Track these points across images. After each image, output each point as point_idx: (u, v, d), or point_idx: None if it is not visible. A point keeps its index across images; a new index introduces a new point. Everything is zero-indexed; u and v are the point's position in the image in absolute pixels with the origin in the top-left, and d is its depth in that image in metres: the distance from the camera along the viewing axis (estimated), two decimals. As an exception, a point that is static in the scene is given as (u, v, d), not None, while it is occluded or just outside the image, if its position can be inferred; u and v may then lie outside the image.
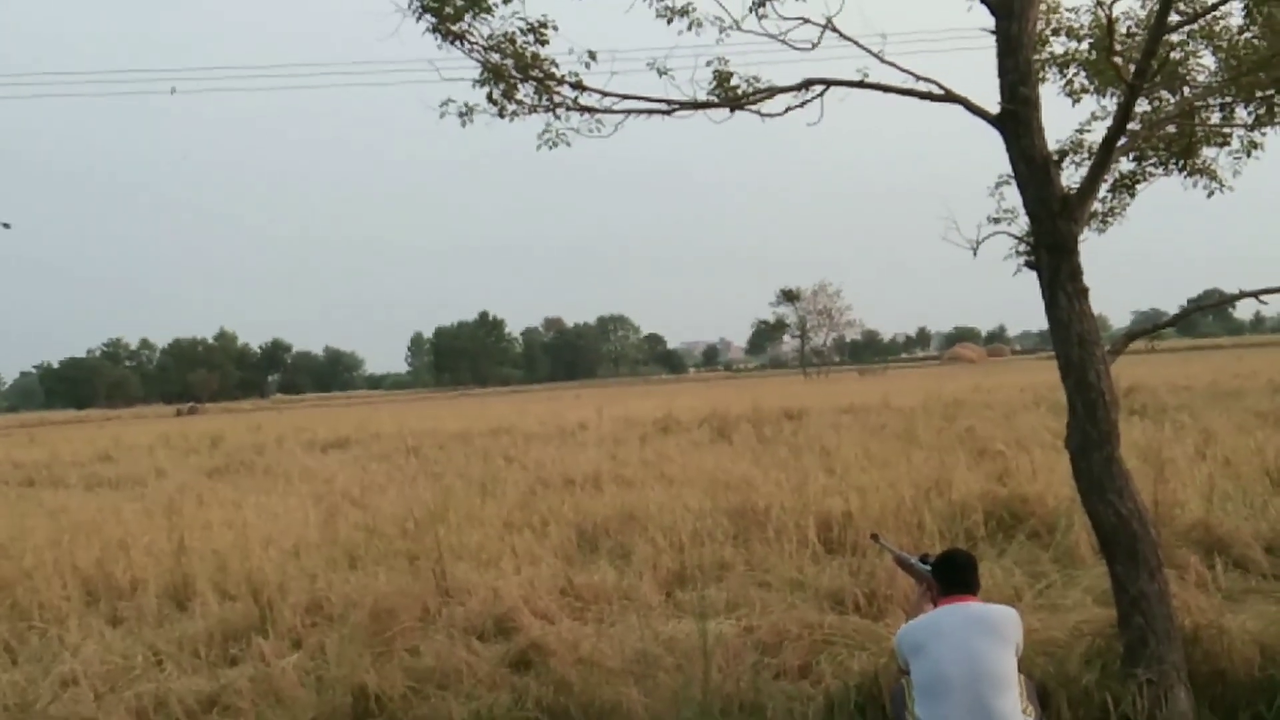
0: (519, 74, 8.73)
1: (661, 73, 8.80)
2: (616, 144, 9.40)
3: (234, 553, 13.97)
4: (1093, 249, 10.50)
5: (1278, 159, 10.74)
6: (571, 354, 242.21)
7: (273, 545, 14.54)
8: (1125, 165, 10.18)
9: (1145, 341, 9.56)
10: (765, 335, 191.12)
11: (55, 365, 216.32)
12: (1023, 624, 6.59)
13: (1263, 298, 8.56)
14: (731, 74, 8.82)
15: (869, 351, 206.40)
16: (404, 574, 12.51)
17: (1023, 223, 8.84)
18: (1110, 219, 10.51)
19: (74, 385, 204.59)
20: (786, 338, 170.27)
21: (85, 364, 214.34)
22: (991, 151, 8.44)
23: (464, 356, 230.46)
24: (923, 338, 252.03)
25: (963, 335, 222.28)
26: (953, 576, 6.82)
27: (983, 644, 6.33)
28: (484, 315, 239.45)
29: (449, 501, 17.15)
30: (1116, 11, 9.10)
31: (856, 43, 8.40)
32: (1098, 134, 9.59)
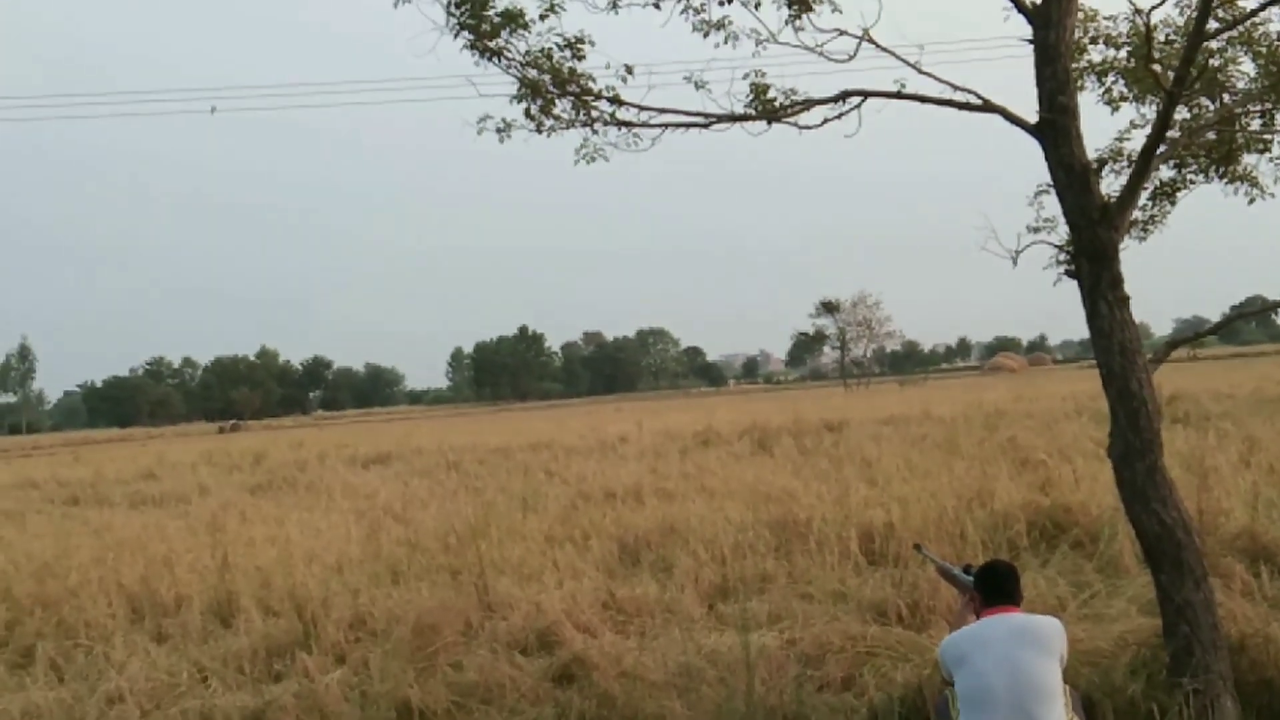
0: (556, 89, 8.78)
1: (698, 86, 8.84)
2: (655, 155, 9.42)
3: (277, 569, 14.04)
4: (1134, 256, 10.48)
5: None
6: (611, 367, 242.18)
7: (315, 561, 14.61)
8: (1165, 173, 10.15)
9: (1187, 350, 9.51)
10: (805, 347, 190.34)
11: (98, 384, 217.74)
12: (1067, 634, 6.55)
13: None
14: (768, 86, 8.85)
15: (909, 362, 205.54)
16: (446, 589, 12.54)
17: (1062, 231, 8.80)
18: (1151, 227, 10.48)
19: (117, 404, 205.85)
20: (826, 349, 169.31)
21: (128, 383, 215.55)
22: (1031, 160, 8.43)
23: (504, 371, 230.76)
24: (963, 348, 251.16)
25: (1003, 345, 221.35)
26: (996, 587, 6.80)
27: (1027, 655, 6.30)
28: (524, 330, 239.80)
29: (490, 516, 17.19)
30: (1155, 19, 9.10)
31: (893, 53, 8.42)
32: (1137, 142, 9.60)
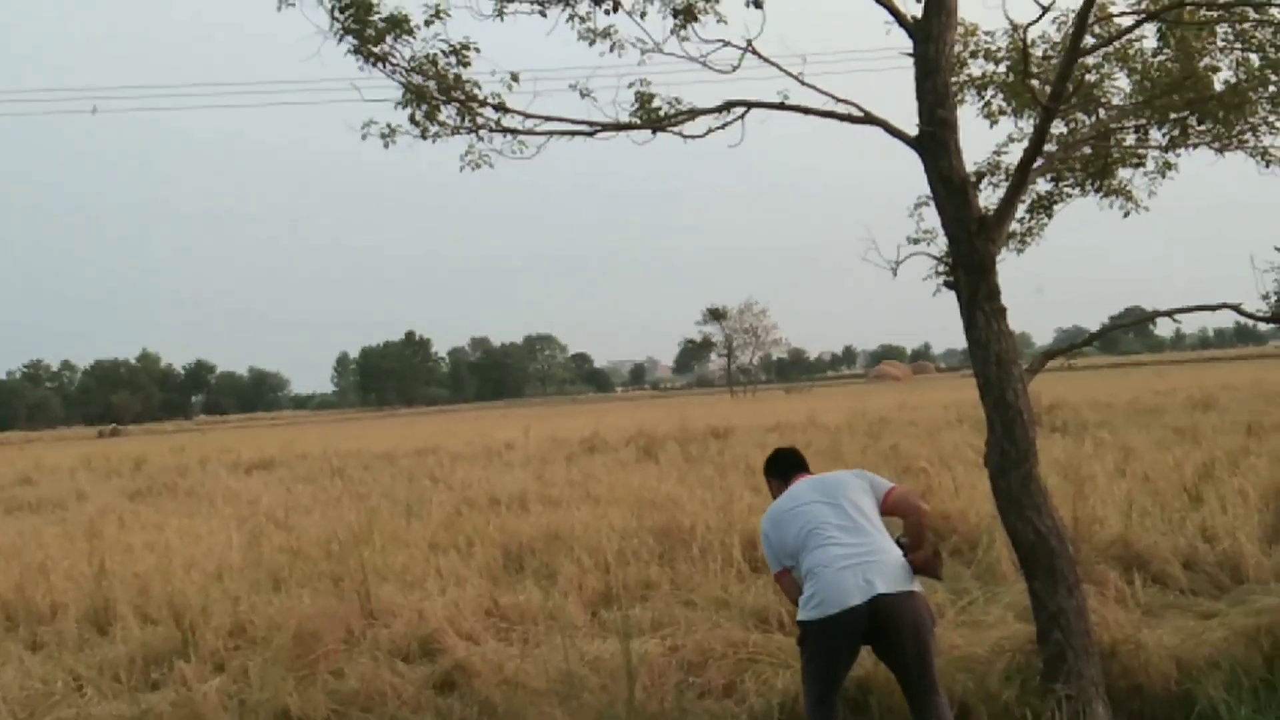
0: (441, 96, 8.74)
1: (584, 94, 8.84)
2: (541, 163, 9.42)
3: (156, 576, 13.81)
4: (1015, 266, 10.62)
5: (1192, 177, 10.91)
6: (499, 373, 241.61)
7: (195, 568, 14.40)
8: (1042, 186, 10.31)
9: (1063, 360, 9.68)
10: (692, 354, 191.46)
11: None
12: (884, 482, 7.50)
13: (1177, 316, 8.70)
14: (653, 95, 8.87)
15: (795, 370, 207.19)
16: (328, 596, 12.40)
17: (942, 243, 8.94)
18: (1028, 239, 10.64)
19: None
20: (713, 356, 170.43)
21: (4, 386, 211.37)
22: (912, 172, 8.53)
23: (390, 376, 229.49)
24: (849, 356, 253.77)
25: (888, 353, 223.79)
26: (787, 465, 7.96)
27: (834, 486, 7.38)
28: (410, 335, 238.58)
29: (374, 522, 17.03)
30: (1032, 34, 9.26)
31: (777, 65, 8.49)
32: (1014, 155, 9.72)
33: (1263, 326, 9.33)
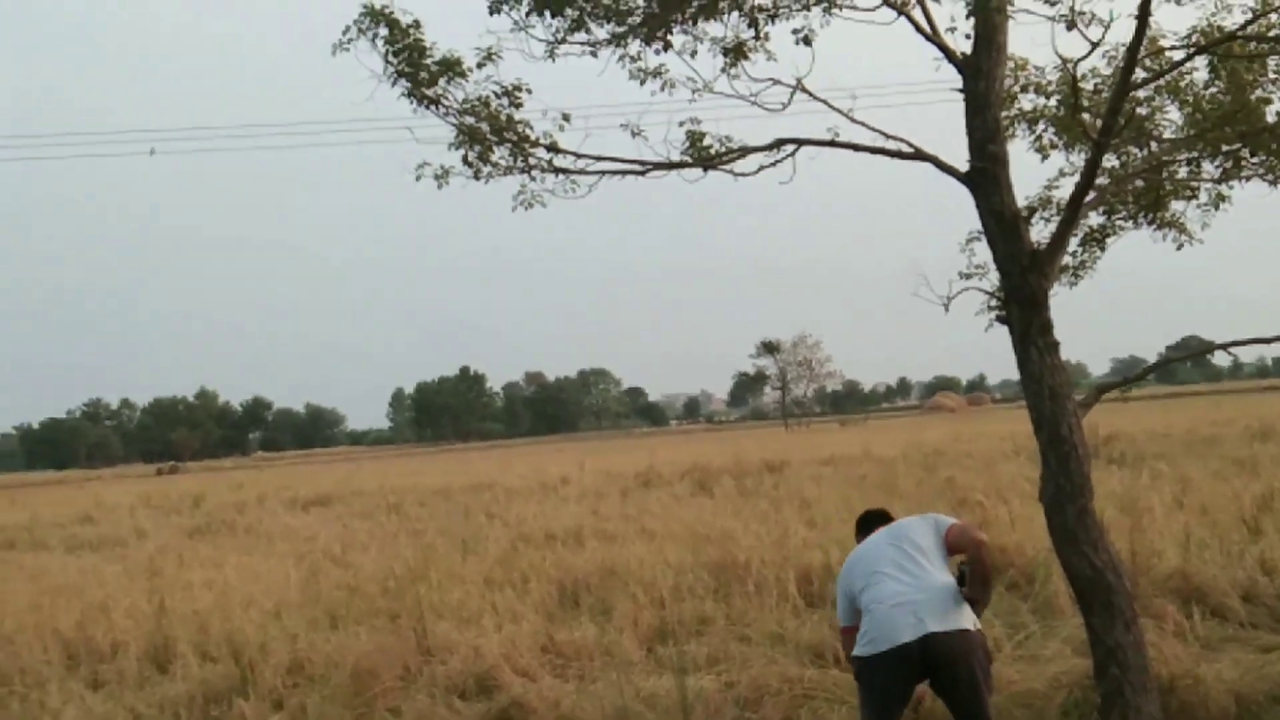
0: (494, 137, 8.81)
1: (635, 133, 8.89)
2: (590, 200, 9.46)
3: (215, 614, 13.93)
4: (1072, 297, 10.59)
5: (1250, 206, 10.85)
6: (553, 408, 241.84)
7: (254, 606, 14.49)
8: (1094, 219, 10.27)
9: (1118, 393, 9.65)
10: (746, 387, 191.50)
11: (35, 426, 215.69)
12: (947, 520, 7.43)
13: (1231, 350, 8.68)
14: (704, 134, 8.91)
15: (850, 402, 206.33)
16: (385, 633, 12.46)
17: (993, 278, 8.93)
18: (1081, 273, 10.59)
19: (54, 446, 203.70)
20: (767, 389, 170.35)
21: (65, 424, 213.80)
22: (964, 206, 8.54)
23: (445, 411, 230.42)
24: (903, 387, 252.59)
25: (943, 384, 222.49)
26: (870, 522, 7.84)
27: (900, 529, 7.39)
28: (465, 370, 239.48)
29: (430, 559, 17.09)
30: (1083, 68, 9.26)
31: (826, 102, 8.53)
32: (1066, 189, 9.69)
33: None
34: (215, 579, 17.39)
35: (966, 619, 6.86)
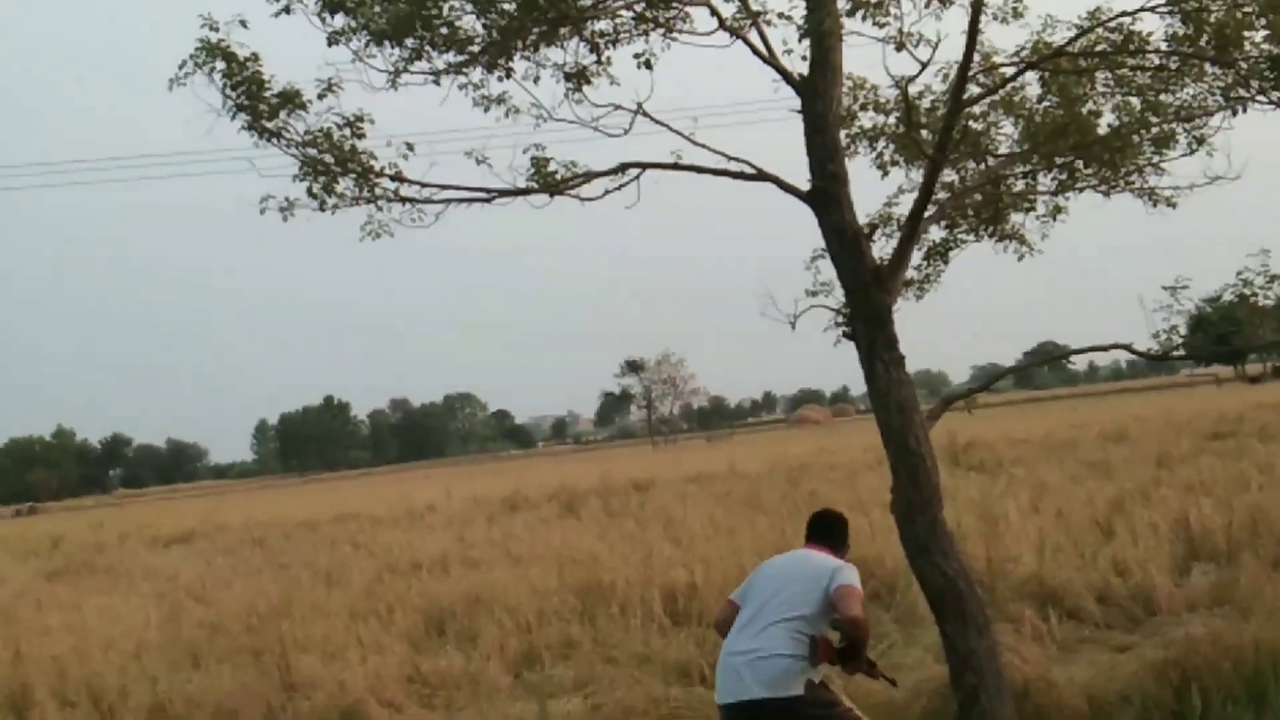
0: (338, 168, 8.74)
1: (479, 161, 8.89)
2: (446, 226, 9.42)
3: (73, 658, 13.65)
4: (925, 306, 10.74)
5: (1090, 217, 11.09)
6: (420, 434, 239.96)
7: (113, 648, 14.24)
8: (937, 234, 10.40)
9: (964, 404, 9.79)
10: (612, 406, 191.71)
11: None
12: (854, 575, 7.10)
13: (1073, 358, 8.88)
14: (549, 160, 8.92)
15: (716, 417, 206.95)
16: (248, 670, 12.32)
17: (839, 295, 9.04)
18: (927, 286, 10.73)
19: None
20: (634, 408, 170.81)
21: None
22: (809, 224, 8.63)
23: (310, 442, 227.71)
24: (769, 401, 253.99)
25: (807, 397, 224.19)
26: (811, 531, 7.67)
27: (793, 572, 7.13)
28: (329, 399, 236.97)
29: (294, 593, 16.94)
30: (919, 86, 9.44)
31: (668, 126, 8.61)
32: (906, 206, 9.82)
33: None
34: (74, 622, 17.06)
35: (798, 684, 6.90)
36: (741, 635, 7.02)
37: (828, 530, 7.67)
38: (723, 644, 7.17)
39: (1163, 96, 9.41)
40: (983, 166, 10.22)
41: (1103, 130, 9.61)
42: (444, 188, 8.79)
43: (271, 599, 16.41)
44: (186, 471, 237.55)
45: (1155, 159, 9.84)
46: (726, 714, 6.88)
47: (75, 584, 25.44)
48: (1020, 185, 10.26)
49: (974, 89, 8.93)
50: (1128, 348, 8.85)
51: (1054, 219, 10.49)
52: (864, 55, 8.60)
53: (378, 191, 8.89)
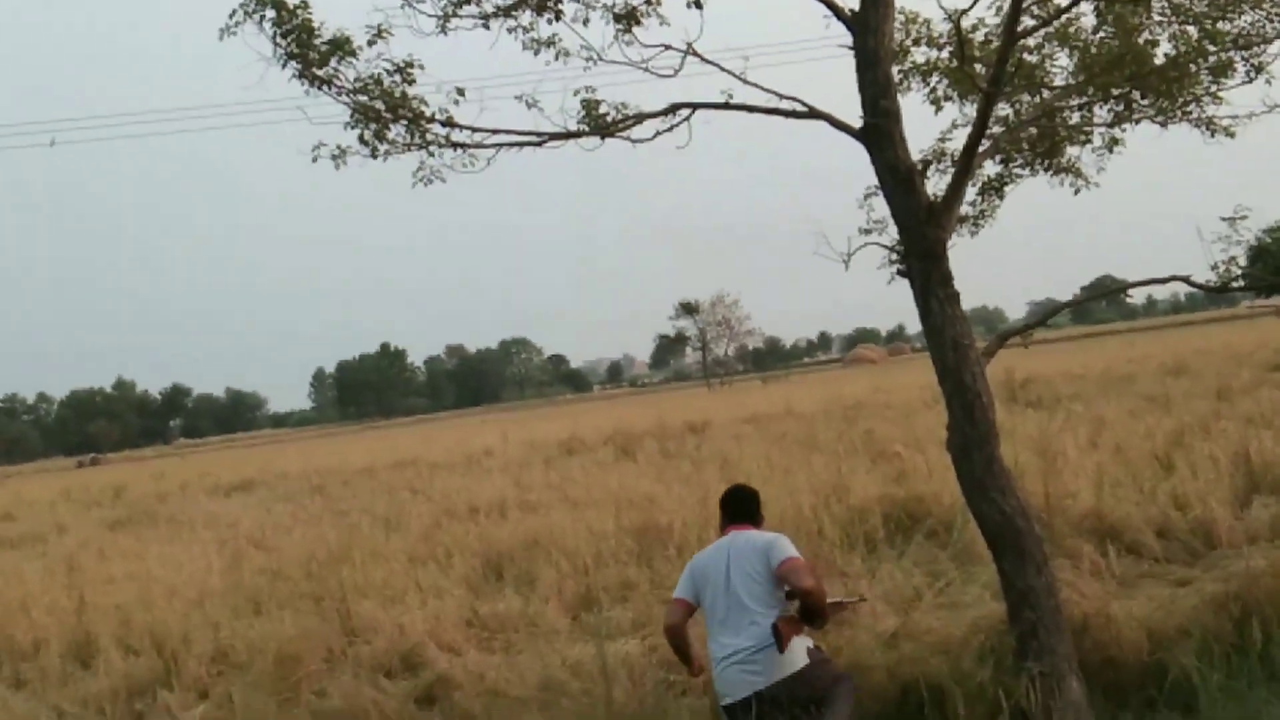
0: (389, 114, 8.74)
1: (530, 105, 8.86)
2: (494, 171, 9.42)
3: (137, 606, 13.81)
4: (982, 242, 10.69)
5: (1147, 147, 10.97)
6: (476, 380, 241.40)
7: (176, 596, 14.39)
8: (991, 169, 10.36)
9: (1020, 339, 9.73)
10: (667, 349, 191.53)
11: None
12: (790, 545, 7.66)
13: (1130, 291, 8.79)
14: (599, 102, 8.87)
15: (771, 358, 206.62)
16: (309, 616, 12.40)
17: (893, 232, 8.98)
18: (981, 222, 10.68)
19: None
20: (689, 350, 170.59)
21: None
22: (862, 160, 8.57)
23: (368, 389, 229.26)
24: (824, 341, 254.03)
25: (863, 336, 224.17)
26: (730, 511, 8.25)
27: (738, 554, 7.64)
28: (385, 346, 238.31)
29: (353, 539, 17.04)
30: (972, 19, 9.34)
31: (719, 65, 8.53)
32: (960, 141, 9.74)
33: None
34: (137, 570, 17.22)
35: (799, 657, 7.27)
36: (726, 635, 7.43)
37: (745, 508, 8.29)
38: (708, 648, 7.64)
39: (1220, 24, 9.28)
40: (1038, 99, 10.13)
41: (1159, 60, 9.50)
42: (495, 132, 8.76)
43: (331, 545, 16.53)
44: (245, 420, 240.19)
45: (1213, 88, 9.72)
46: (743, 708, 7.18)
47: (138, 533, 25.74)
48: (1076, 118, 10.17)
49: (1028, 21, 8.83)
50: (1186, 280, 8.75)
51: (1110, 151, 10.39)
52: (914, -12, 8.53)
53: (429, 137, 8.87)
